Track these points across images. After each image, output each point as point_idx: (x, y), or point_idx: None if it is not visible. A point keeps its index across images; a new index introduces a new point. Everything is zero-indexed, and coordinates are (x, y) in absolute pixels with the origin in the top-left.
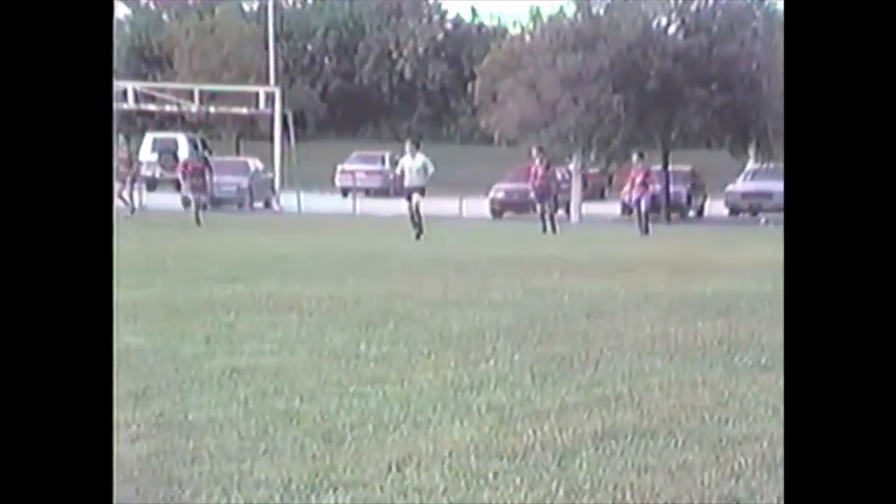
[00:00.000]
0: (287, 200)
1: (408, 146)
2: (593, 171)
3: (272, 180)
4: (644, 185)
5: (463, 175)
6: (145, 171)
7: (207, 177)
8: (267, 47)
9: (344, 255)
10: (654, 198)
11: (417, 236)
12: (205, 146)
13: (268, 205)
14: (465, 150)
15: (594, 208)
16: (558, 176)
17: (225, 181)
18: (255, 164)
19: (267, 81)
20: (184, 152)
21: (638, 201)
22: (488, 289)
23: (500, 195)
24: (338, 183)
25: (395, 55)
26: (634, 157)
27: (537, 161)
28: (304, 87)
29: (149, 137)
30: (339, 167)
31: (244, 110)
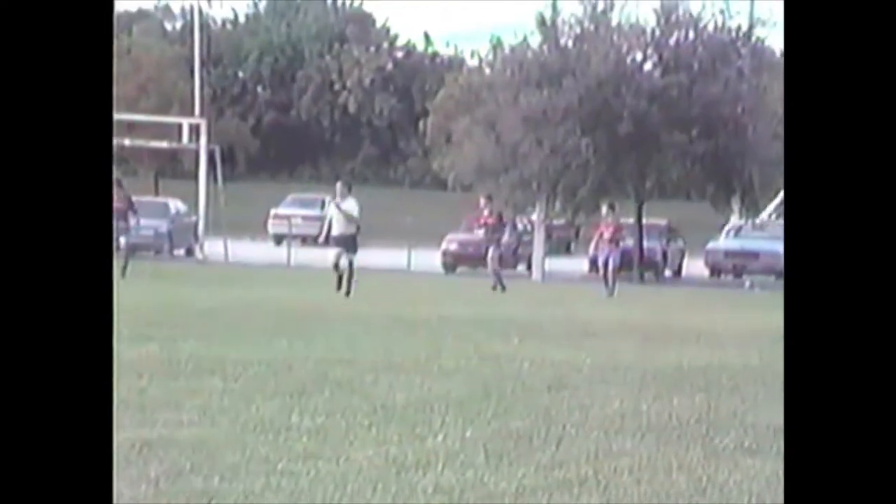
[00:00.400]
0: (212, 247)
1: (338, 188)
2: (558, 222)
3: (195, 224)
4: (613, 241)
5: (412, 223)
6: None
7: (132, 220)
8: (192, 73)
9: (276, 311)
10: (624, 255)
11: (347, 292)
12: (118, 185)
13: (190, 252)
14: (415, 196)
15: (559, 264)
16: (518, 227)
17: (141, 224)
18: (176, 205)
19: (191, 112)
20: None
21: (606, 260)
22: (438, 354)
23: (454, 247)
24: (271, 229)
25: (337, 86)
26: (604, 209)
27: (486, 211)
28: (233, 120)
29: None
30: (273, 211)
31: (164, 144)
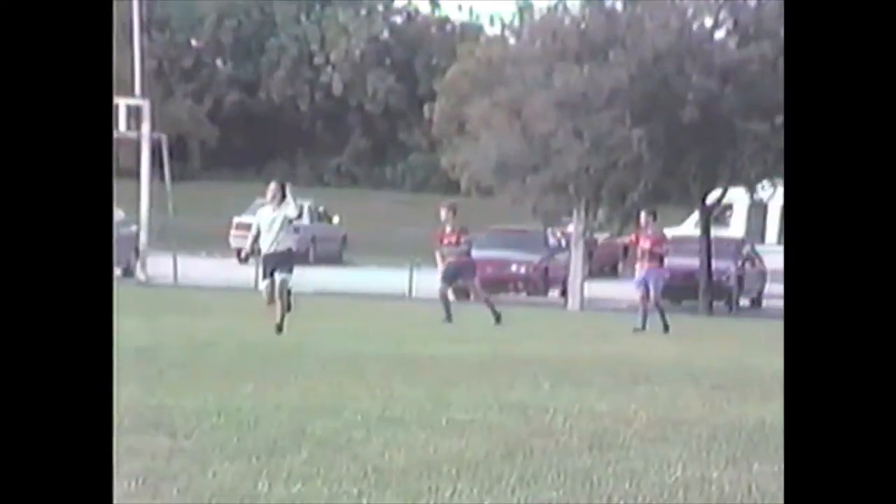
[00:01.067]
0: (157, 266)
1: (270, 189)
2: (602, 235)
3: (136, 236)
4: (654, 256)
5: (414, 237)
6: None
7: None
8: (130, 40)
9: (239, 347)
10: (674, 276)
11: (279, 327)
12: None
13: (128, 272)
14: (419, 202)
15: (602, 289)
16: (551, 242)
17: None
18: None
19: (130, 91)
20: None
21: (645, 282)
22: (448, 403)
23: None
24: (233, 243)
25: (318, 60)
26: (643, 216)
27: (448, 227)
28: (185, 102)
29: None
30: (236, 220)
31: None
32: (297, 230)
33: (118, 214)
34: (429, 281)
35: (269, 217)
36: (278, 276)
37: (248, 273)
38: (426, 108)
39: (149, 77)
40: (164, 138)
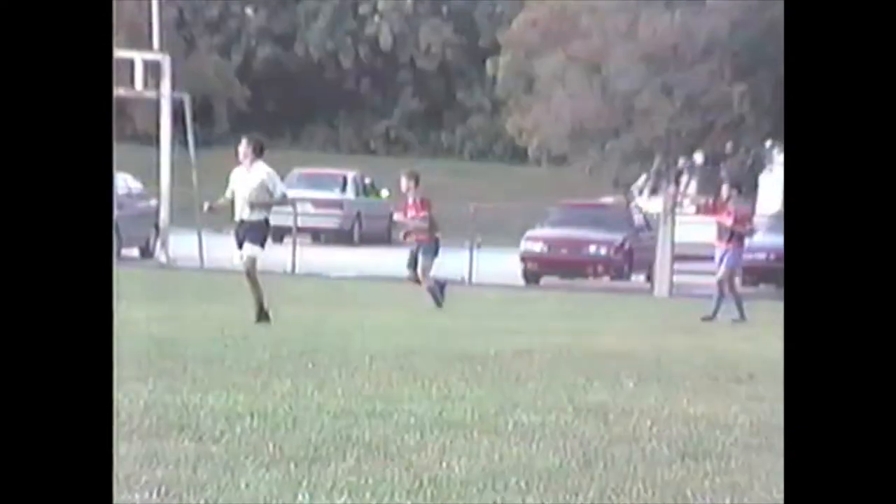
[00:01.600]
0: (180, 245)
1: (241, 147)
2: (693, 211)
3: (156, 211)
4: (735, 236)
5: (477, 214)
6: None
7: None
8: None
9: (273, 340)
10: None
11: (259, 315)
12: None
13: (148, 252)
14: (480, 171)
15: (695, 274)
16: (636, 219)
17: None
18: (126, 183)
19: (148, 44)
20: None
21: (722, 261)
22: (514, 404)
23: (538, 248)
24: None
25: (363, 9)
26: (724, 189)
27: (410, 197)
28: (211, 57)
29: None
30: None
31: None
32: (340, 206)
33: (134, 186)
34: (491, 263)
35: (241, 179)
36: (246, 250)
37: (285, 254)
38: (488, 63)
39: (169, 28)
40: (186, 98)
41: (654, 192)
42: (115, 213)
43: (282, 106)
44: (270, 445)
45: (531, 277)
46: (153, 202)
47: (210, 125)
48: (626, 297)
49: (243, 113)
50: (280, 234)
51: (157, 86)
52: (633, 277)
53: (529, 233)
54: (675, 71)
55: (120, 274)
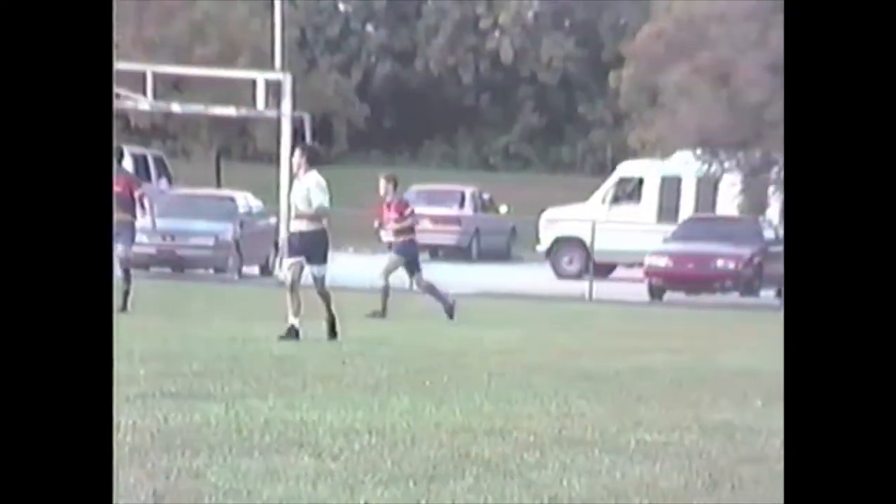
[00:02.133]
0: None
1: (294, 159)
2: None
3: (275, 229)
4: None
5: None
6: None
7: (139, 213)
8: (271, 5)
9: (391, 357)
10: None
11: (291, 332)
12: (163, 168)
13: (267, 270)
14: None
15: None
16: (767, 233)
17: (194, 229)
18: (247, 200)
19: (269, 63)
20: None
21: None
22: (636, 422)
23: (663, 263)
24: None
25: (484, 23)
26: None
27: (388, 198)
28: (331, 75)
29: None
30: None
31: (231, 111)
32: (459, 222)
33: (255, 204)
34: (611, 282)
35: (295, 190)
36: (307, 265)
37: (401, 273)
38: (611, 76)
39: (290, 47)
40: (306, 118)
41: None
42: (235, 231)
43: (400, 123)
44: (388, 463)
45: (656, 293)
46: (273, 220)
47: (329, 143)
48: (755, 313)
49: (362, 130)
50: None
51: (278, 105)
52: (763, 293)
53: (655, 248)
54: None
55: (241, 292)
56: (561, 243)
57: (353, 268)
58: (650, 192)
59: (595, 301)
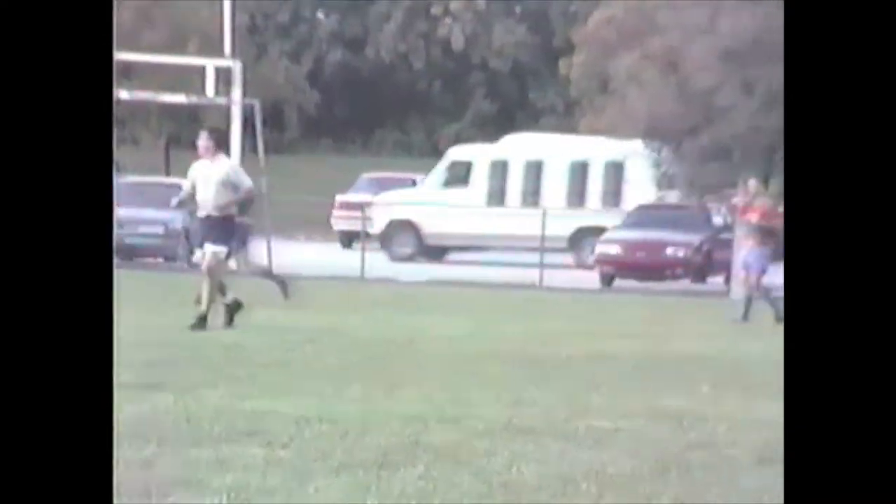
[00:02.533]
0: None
1: (201, 142)
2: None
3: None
4: (763, 232)
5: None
6: None
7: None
8: None
9: (344, 346)
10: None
11: (199, 320)
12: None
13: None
14: None
15: (780, 275)
16: (716, 220)
17: (143, 217)
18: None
19: (219, 50)
20: None
21: (745, 265)
22: (585, 409)
23: (614, 250)
24: (335, 224)
25: (435, 9)
26: (751, 184)
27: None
28: (281, 62)
29: None
30: (339, 198)
31: (180, 98)
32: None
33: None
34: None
35: (203, 174)
36: (209, 248)
37: (353, 259)
38: (561, 63)
39: (241, 34)
40: (256, 105)
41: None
42: (185, 220)
43: (352, 110)
44: (339, 451)
45: (606, 280)
46: None
47: (280, 131)
48: (703, 299)
49: (313, 118)
50: (349, 238)
51: (229, 93)
52: (711, 279)
53: (605, 235)
54: (756, 65)
55: (187, 280)
56: (394, 226)
57: (305, 256)
58: (479, 176)
59: (545, 288)
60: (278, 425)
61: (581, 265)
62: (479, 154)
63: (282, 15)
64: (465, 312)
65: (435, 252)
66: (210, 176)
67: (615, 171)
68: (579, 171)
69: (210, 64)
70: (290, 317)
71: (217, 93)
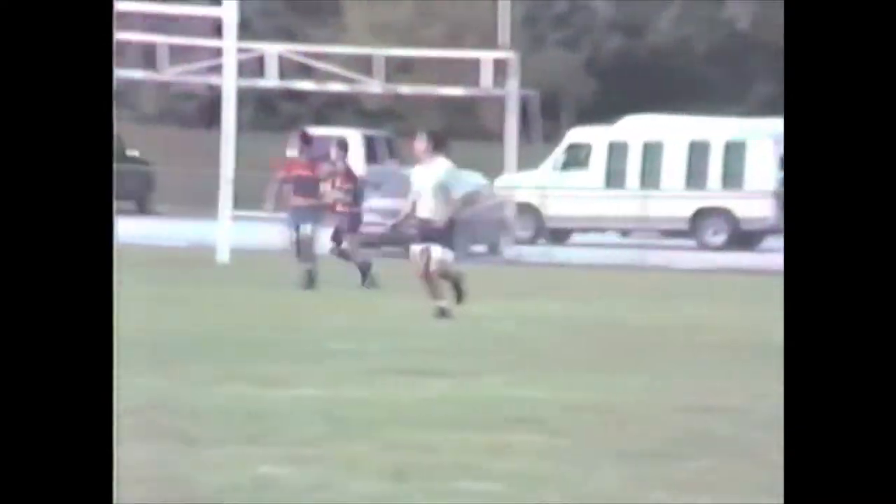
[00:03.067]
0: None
1: (418, 144)
2: None
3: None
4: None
5: None
6: None
7: (353, 199)
8: None
9: (634, 329)
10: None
11: (441, 312)
12: (390, 149)
13: (494, 249)
14: None
15: None
16: None
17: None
18: (474, 180)
19: (494, 42)
20: (357, 158)
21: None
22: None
23: None
24: None
25: None
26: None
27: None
28: (558, 53)
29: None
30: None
31: (458, 91)
32: None
33: (482, 183)
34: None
35: (422, 180)
36: (436, 254)
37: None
38: None
39: (517, 26)
40: (535, 96)
41: None
42: (468, 211)
43: (628, 97)
44: (621, 437)
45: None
46: (499, 199)
47: (555, 120)
48: None
49: (586, 106)
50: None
51: (505, 85)
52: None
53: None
54: None
55: (467, 271)
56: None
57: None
58: (598, 158)
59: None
60: (557, 412)
61: (702, 246)
62: (598, 136)
63: (559, 4)
64: (685, 298)
65: (558, 234)
66: (426, 181)
67: (736, 151)
68: (699, 152)
69: (487, 57)
70: (563, 307)
71: (494, 85)
